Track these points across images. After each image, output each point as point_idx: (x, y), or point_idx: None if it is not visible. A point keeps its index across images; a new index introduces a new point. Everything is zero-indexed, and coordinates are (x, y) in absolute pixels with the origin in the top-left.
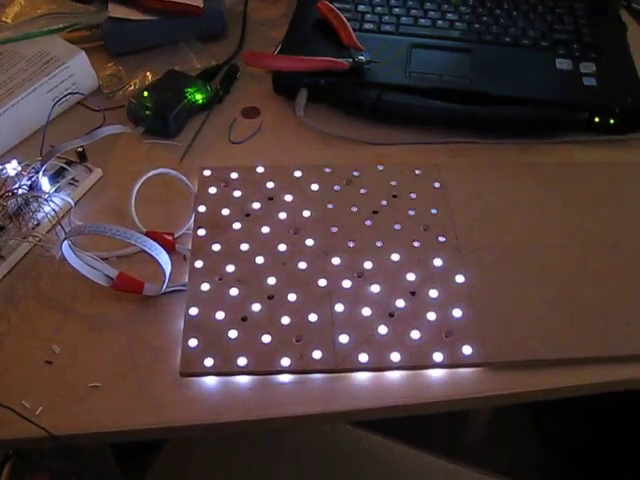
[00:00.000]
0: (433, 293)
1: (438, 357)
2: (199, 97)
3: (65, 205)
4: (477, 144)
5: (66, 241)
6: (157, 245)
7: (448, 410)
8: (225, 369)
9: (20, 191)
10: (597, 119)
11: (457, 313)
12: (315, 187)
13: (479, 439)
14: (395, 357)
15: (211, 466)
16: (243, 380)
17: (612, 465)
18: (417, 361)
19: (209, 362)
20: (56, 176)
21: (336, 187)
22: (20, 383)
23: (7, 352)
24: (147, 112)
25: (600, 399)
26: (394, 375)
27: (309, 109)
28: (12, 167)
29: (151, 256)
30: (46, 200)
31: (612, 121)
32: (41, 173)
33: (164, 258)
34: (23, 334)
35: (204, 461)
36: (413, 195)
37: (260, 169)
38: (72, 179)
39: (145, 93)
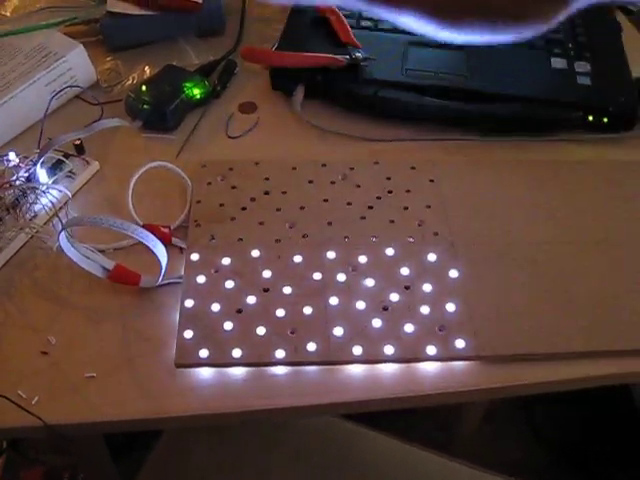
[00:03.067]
0: (427, 287)
1: (431, 350)
2: (197, 92)
3: (62, 197)
4: (472, 141)
5: (63, 232)
6: (153, 237)
7: (441, 403)
8: (220, 360)
9: (17, 182)
10: (591, 118)
11: (451, 307)
12: (311, 182)
13: (472, 436)
14: (389, 350)
15: (205, 461)
16: (238, 371)
17: (603, 463)
18: (410, 354)
19: (204, 353)
20: (54, 169)
21: (332, 182)
22: (16, 373)
23: (3, 343)
24: (145, 106)
25: (592, 398)
26: (388, 368)
27: (306, 105)
28: (9, 159)
29: (147, 247)
30: (43, 192)
31: (606, 120)
32: (39, 165)
33: (160, 250)
34: (19, 325)
35: (198, 456)
36: (408, 191)
37: (257, 163)
38: (69, 172)
39: (143, 87)
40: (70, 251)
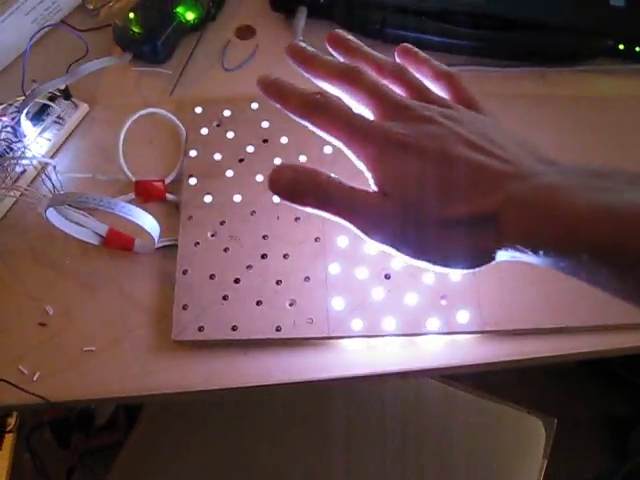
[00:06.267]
0: None
1: (434, 323)
2: (190, 16)
3: (51, 148)
4: (490, 73)
5: (50, 207)
6: (142, 212)
7: (442, 375)
8: (218, 336)
9: (2, 135)
10: (623, 46)
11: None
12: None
13: None
14: (390, 323)
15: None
16: (236, 347)
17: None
18: (412, 328)
19: (201, 328)
20: (40, 114)
21: None
22: (16, 348)
23: (2, 315)
24: (134, 37)
25: None
26: (388, 341)
27: (309, 28)
28: None
29: (138, 225)
30: (26, 147)
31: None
32: (23, 115)
33: (150, 224)
34: (16, 293)
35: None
36: None
37: (255, 105)
38: (57, 117)
39: (131, 15)
40: (60, 223)
